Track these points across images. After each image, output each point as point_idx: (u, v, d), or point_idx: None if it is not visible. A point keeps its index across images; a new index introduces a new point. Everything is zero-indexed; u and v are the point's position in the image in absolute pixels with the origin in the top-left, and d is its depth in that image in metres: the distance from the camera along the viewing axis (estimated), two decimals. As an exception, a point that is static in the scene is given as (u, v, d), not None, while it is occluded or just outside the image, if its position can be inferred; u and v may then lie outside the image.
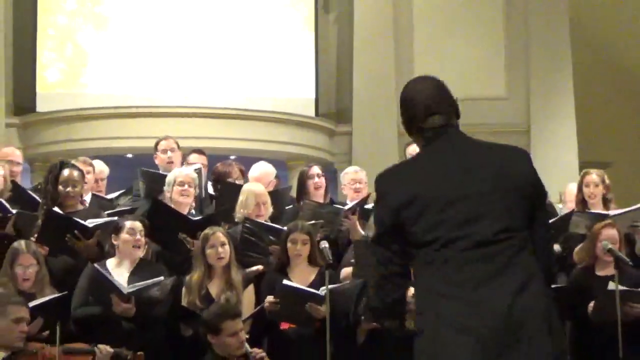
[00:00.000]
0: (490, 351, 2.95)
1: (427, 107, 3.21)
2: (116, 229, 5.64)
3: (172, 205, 6.11)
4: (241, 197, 6.23)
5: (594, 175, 6.98)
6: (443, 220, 3.08)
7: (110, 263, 5.54)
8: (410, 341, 5.22)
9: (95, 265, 5.46)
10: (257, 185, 6.44)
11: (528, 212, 3.18)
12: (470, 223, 3.07)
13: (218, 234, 5.53)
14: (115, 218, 5.99)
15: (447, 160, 3.19)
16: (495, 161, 3.24)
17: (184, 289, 5.56)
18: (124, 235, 5.55)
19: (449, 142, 3.23)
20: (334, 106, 11.25)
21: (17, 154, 7.34)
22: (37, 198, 6.40)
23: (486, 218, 3.08)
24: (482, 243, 3.04)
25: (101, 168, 7.38)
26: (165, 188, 6.27)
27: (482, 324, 2.96)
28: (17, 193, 6.46)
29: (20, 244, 5.47)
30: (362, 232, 6.33)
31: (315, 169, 7.11)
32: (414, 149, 7.20)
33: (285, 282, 5.46)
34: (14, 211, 6.12)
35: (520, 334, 2.96)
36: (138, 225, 5.59)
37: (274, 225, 6.09)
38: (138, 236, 5.55)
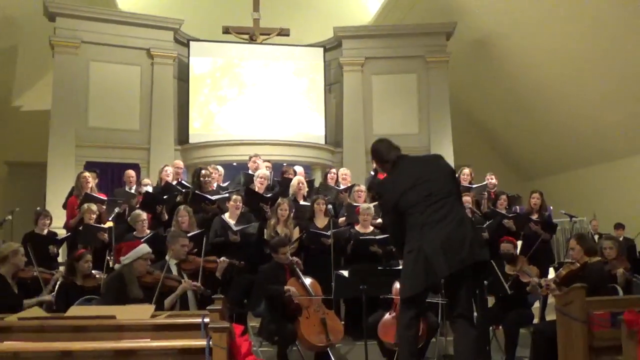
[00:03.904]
0: (450, 254, 2.98)
1: (389, 150, 3.31)
2: (228, 199, 5.70)
3: (256, 189, 6.13)
4: (292, 183, 6.25)
5: (465, 169, 7.00)
6: (414, 194, 3.13)
7: (226, 216, 5.55)
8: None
9: (221, 216, 5.52)
10: (299, 177, 6.46)
11: (453, 184, 3.22)
12: (427, 193, 3.11)
13: (284, 204, 5.53)
14: (227, 195, 6.01)
15: (407, 168, 3.24)
16: (430, 161, 3.31)
17: (265, 230, 5.56)
18: (231, 203, 5.59)
19: (403, 161, 3.29)
20: (334, 139, 11.06)
21: (181, 164, 7.36)
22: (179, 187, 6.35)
23: (434, 189, 3.11)
24: (436, 201, 3.08)
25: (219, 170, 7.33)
26: (254, 179, 6.29)
27: (442, 242, 3.00)
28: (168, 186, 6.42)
29: (180, 206, 5.53)
30: (348, 200, 6.37)
31: (333, 171, 7.15)
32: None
33: (311, 229, 5.49)
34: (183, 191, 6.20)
35: (463, 247, 2.99)
36: (238, 197, 5.63)
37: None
38: (238, 203, 5.57)
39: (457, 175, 7.10)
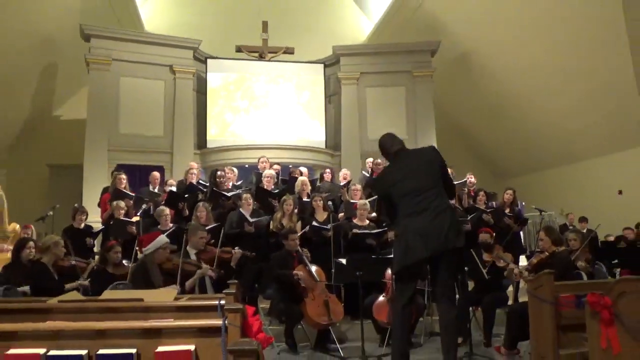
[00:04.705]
0: (428, 240, 2.97)
1: (392, 143, 3.28)
2: (239, 197, 5.68)
3: (264, 187, 6.09)
4: (296, 183, 6.22)
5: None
6: (403, 186, 3.11)
7: (242, 210, 5.52)
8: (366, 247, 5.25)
9: (239, 209, 5.49)
10: (303, 177, 6.43)
11: (440, 175, 3.15)
12: (414, 185, 3.08)
13: (290, 200, 5.50)
14: (239, 192, 5.98)
15: (402, 162, 3.21)
16: (421, 155, 3.22)
17: (272, 222, 5.54)
18: (242, 201, 5.56)
19: (402, 154, 3.25)
20: (333, 143, 11.03)
21: (196, 165, 7.33)
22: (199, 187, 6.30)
23: (419, 184, 3.08)
24: (419, 194, 3.05)
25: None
26: (262, 178, 6.27)
27: (422, 229, 2.99)
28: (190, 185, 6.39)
29: (200, 202, 5.50)
30: (348, 197, 6.35)
31: (328, 171, 7.12)
32: (369, 160, 7.20)
33: (314, 223, 5.45)
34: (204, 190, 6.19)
35: (440, 234, 2.97)
36: (248, 195, 5.60)
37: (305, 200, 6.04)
38: (249, 200, 5.55)
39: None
